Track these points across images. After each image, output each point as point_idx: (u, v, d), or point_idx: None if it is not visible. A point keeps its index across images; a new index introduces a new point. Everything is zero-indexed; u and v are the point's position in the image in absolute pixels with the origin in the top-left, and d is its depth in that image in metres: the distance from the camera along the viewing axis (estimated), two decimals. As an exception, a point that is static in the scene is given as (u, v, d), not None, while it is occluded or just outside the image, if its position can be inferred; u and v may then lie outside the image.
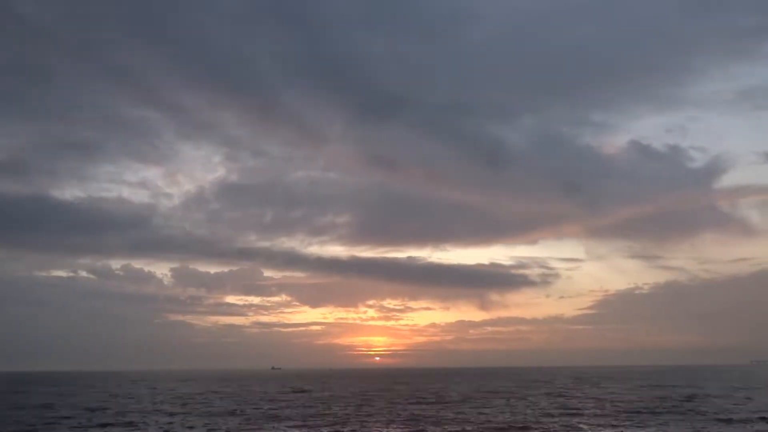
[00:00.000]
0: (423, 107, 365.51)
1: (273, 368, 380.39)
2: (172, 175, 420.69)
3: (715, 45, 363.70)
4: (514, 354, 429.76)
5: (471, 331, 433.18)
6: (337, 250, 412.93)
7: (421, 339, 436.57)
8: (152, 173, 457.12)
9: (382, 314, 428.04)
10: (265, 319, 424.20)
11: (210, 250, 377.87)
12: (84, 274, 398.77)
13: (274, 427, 36.69)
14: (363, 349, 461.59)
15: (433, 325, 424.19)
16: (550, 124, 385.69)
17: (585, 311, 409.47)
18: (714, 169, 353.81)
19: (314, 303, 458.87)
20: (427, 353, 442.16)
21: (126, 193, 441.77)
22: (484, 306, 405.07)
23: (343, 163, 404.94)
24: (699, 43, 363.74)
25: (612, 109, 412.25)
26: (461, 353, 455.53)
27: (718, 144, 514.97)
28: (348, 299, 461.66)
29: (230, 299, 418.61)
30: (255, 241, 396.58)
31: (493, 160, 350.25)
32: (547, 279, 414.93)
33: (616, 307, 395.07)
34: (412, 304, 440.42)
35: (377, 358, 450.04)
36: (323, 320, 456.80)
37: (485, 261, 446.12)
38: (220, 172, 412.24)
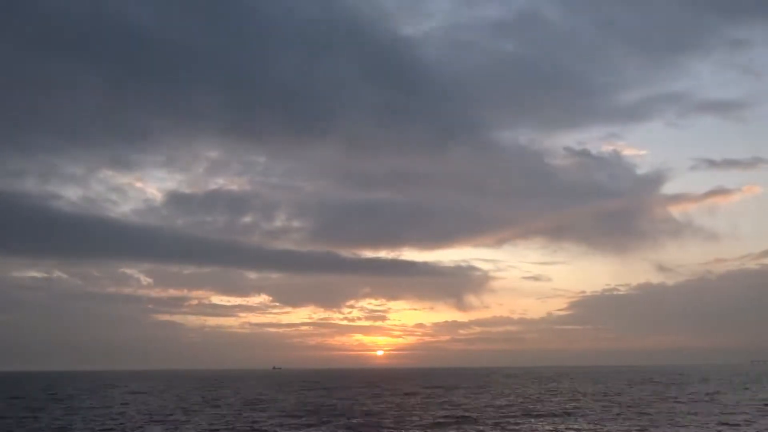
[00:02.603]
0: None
1: (274, 368, 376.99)
2: (136, 180, 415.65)
3: (635, 57, 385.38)
4: (510, 354, 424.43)
5: (461, 332, 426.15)
6: (307, 249, 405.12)
7: (413, 339, 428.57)
8: (118, 177, 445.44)
9: (367, 314, 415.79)
10: (254, 319, 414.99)
11: (178, 252, 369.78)
12: (58, 274, 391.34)
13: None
14: (358, 349, 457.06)
15: (421, 325, 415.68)
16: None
17: (563, 312, 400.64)
18: (659, 175, 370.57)
19: (295, 303, 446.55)
20: (427, 353, 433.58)
21: (94, 196, 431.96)
22: (463, 306, 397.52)
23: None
24: (622, 55, 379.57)
25: (545, 118, 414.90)
26: (458, 353, 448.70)
27: (656, 150, 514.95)
28: (328, 300, 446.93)
29: (214, 300, 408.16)
30: (223, 241, 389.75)
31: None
32: (518, 280, 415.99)
33: (593, 308, 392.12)
34: (392, 304, 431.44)
35: (380, 352, 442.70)
36: (310, 320, 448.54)
37: (450, 262, 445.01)
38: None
